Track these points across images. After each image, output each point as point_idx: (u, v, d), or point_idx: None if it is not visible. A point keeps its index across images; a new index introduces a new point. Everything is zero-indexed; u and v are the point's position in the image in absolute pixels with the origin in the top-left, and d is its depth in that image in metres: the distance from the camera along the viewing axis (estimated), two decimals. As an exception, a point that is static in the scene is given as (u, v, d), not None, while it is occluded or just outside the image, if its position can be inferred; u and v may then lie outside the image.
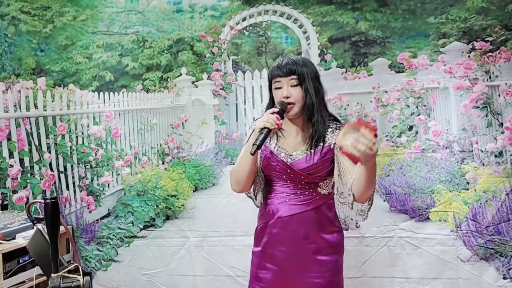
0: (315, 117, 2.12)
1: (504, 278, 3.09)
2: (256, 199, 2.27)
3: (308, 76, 2.11)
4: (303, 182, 2.14)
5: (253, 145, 1.98)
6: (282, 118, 2.08)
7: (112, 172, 3.59)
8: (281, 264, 2.17)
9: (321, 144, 2.13)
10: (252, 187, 2.23)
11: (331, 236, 2.18)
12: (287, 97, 2.10)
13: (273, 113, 2.04)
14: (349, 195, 2.07)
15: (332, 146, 2.12)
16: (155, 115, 3.65)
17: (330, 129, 2.14)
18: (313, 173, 2.12)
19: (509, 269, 3.09)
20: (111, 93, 3.62)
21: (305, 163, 2.12)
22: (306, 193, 2.15)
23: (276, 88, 2.14)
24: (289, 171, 2.13)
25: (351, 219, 2.26)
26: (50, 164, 3.52)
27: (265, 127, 2.00)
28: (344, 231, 2.29)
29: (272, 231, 2.18)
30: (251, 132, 2.14)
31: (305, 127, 2.18)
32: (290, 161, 2.14)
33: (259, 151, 2.14)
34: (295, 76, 2.11)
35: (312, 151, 2.12)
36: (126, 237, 3.53)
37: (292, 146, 2.17)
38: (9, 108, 3.44)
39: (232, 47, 3.61)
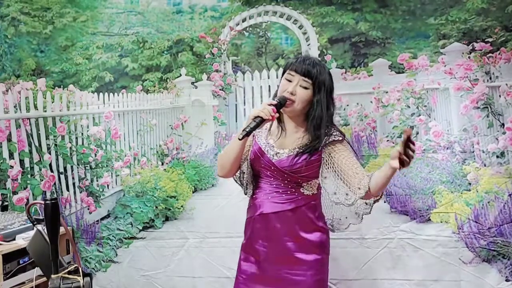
0: (321, 131, 2.12)
1: (507, 280, 3.07)
2: (246, 189, 2.28)
3: (324, 87, 2.11)
4: (286, 181, 2.17)
5: (242, 130, 2.00)
6: (279, 112, 2.08)
7: (112, 173, 3.58)
8: (262, 259, 2.21)
9: (313, 151, 2.13)
10: (244, 177, 2.24)
11: (313, 235, 2.20)
12: (292, 94, 2.10)
13: (270, 104, 2.05)
14: (359, 189, 2.02)
15: (320, 149, 2.13)
16: (155, 116, 3.65)
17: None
18: (296, 173, 2.14)
19: (512, 271, 3.09)
20: (111, 94, 3.62)
21: (289, 162, 2.13)
22: (289, 192, 2.18)
23: (286, 79, 2.13)
24: (272, 168, 2.16)
25: (346, 218, 2.27)
26: (50, 165, 3.51)
27: (259, 116, 2.02)
28: (338, 232, 2.33)
29: (255, 225, 2.23)
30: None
31: (302, 130, 2.19)
32: (276, 158, 2.16)
33: (251, 144, 2.18)
34: (309, 80, 2.10)
35: (299, 153, 2.13)
36: (125, 238, 3.53)
37: (281, 144, 2.18)
38: (9, 109, 3.44)
39: (232, 48, 3.61)
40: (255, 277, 2.22)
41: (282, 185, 2.17)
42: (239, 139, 2.03)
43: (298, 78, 2.11)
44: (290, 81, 2.12)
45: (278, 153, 2.17)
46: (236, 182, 2.35)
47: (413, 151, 1.77)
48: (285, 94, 2.10)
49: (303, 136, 2.17)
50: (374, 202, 2.17)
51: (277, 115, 2.07)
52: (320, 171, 2.14)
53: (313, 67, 2.10)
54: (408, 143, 1.76)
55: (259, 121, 2.02)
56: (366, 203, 2.19)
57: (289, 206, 2.17)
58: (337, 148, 2.13)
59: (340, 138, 2.15)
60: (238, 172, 2.29)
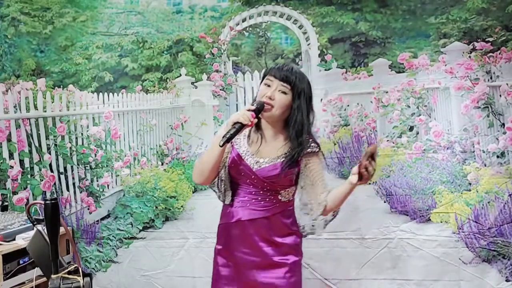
0: (303, 137, 2.14)
1: (507, 280, 3.07)
2: (225, 196, 2.26)
3: (303, 93, 2.12)
4: (265, 189, 2.16)
5: (223, 137, 1.99)
6: (258, 117, 2.09)
7: (112, 173, 3.58)
8: (241, 264, 2.21)
9: (294, 162, 2.15)
10: (222, 184, 2.23)
11: (289, 238, 2.21)
12: (270, 98, 2.10)
13: (249, 109, 2.05)
14: (319, 204, 2.13)
15: (299, 159, 2.15)
16: (155, 116, 3.65)
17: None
18: (276, 182, 2.14)
19: (512, 271, 3.09)
20: (111, 94, 3.62)
21: (269, 171, 2.14)
22: (267, 199, 2.17)
23: (265, 84, 2.14)
24: (253, 176, 2.15)
25: (312, 226, 2.25)
26: (50, 165, 3.51)
27: (238, 122, 2.01)
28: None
29: (232, 232, 2.22)
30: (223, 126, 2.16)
31: (281, 137, 2.19)
32: (256, 167, 2.15)
33: (230, 150, 2.17)
34: (288, 85, 2.10)
35: (279, 162, 2.14)
36: (125, 238, 3.53)
37: (261, 152, 2.18)
38: (9, 109, 3.44)
39: (232, 48, 3.61)
40: (235, 283, 2.23)
41: (261, 192, 2.17)
42: (220, 146, 2.01)
43: (276, 83, 2.11)
44: (269, 86, 2.12)
45: (258, 161, 2.16)
46: (212, 189, 2.31)
47: (374, 169, 1.88)
48: (263, 99, 2.10)
49: (284, 144, 2.18)
50: (331, 219, 2.21)
51: (256, 120, 2.08)
52: (298, 180, 2.18)
53: (291, 73, 2.11)
54: (370, 158, 1.83)
55: (239, 127, 2.01)
56: (325, 220, 2.21)
57: (267, 213, 2.17)
58: (312, 160, 2.17)
59: (316, 150, 2.18)
60: (216, 178, 2.27)
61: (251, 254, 2.19)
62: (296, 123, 2.12)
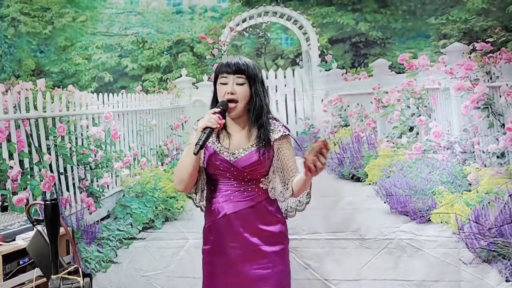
0: (262, 119, 2.21)
1: (507, 281, 3.07)
2: (196, 199, 2.32)
3: (257, 78, 2.21)
4: (246, 179, 2.21)
5: (196, 144, 2.03)
6: (224, 117, 2.14)
7: (112, 174, 3.58)
8: (232, 260, 2.23)
9: (266, 143, 2.21)
10: (199, 185, 2.28)
11: (274, 227, 2.25)
12: (232, 93, 2.16)
13: (214, 113, 2.10)
14: (287, 189, 2.19)
15: (272, 144, 2.21)
16: (155, 116, 3.64)
17: (271, 128, 2.23)
18: (255, 170, 2.20)
19: (512, 271, 3.08)
20: (110, 94, 3.62)
21: (247, 160, 2.19)
22: (249, 189, 2.22)
23: (222, 83, 2.19)
24: (232, 169, 2.20)
25: (291, 207, 2.32)
26: (50, 165, 3.51)
27: (207, 127, 2.06)
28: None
29: (220, 229, 2.24)
30: (194, 133, 2.19)
31: (247, 126, 2.25)
32: (233, 159, 2.20)
33: (202, 151, 2.18)
34: (243, 75, 2.17)
35: (254, 149, 2.20)
36: (125, 239, 3.53)
37: (234, 145, 2.23)
38: (8, 110, 3.44)
39: (232, 48, 3.61)
40: (228, 279, 2.24)
41: (243, 183, 2.22)
42: (195, 154, 2.05)
43: (232, 78, 2.17)
44: (225, 83, 2.18)
45: (234, 154, 2.21)
46: (188, 197, 2.36)
47: (323, 163, 1.90)
48: (225, 97, 2.17)
49: (252, 133, 2.24)
50: (306, 203, 2.26)
51: (224, 120, 2.14)
52: (273, 164, 2.23)
53: (242, 64, 2.18)
54: (318, 152, 1.88)
55: (209, 132, 2.06)
56: (299, 201, 2.27)
57: (251, 202, 2.21)
58: (283, 144, 2.23)
59: (287, 133, 2.24)
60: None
61: (239, 248, 2.22)
62: (256, 108, 2.20)
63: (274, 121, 2.25)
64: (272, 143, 2.21)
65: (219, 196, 2.24)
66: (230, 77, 2.17)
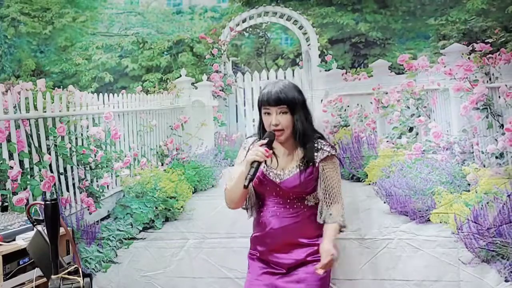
0: (307, 140, 2.33)
1: (506, 280, 3.07)
2: (248, 212, 2.50)
3: (297, 104, 2.30)
4: (291, 198, 2.37)
5: (245, 179, 2.19)
6: (271, 148, 2.26)
7: (112, 174, 3.58)
8: (278, 269, 2.39)
9: (311, 164, 2.33)
10: (250, 202, 2.46)
11: (318, 240, 2.36)
12: (276, 125, 2.28)
13: (261, 145, 2.24)
14: (330, 215, 2.36)
15: (317, 165, 2.33)
16: (155, 116, 3.65)
17: (315, 149, 2.35)
18: (299, 189, 2.33)
19: (511, 272, 3.08)
20: (111, 95, 3.62)
21: (292, 182, 2.33)
22: (295, 206, 2.37)
23: (266, 113, 2.31)
24: (278, 189, 2.36)
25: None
26: (50, 165, 3.51)
27: (255, 161, 2.20)
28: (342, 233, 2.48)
29: (266, 241, 2.41)
30: (244, 152, 2.38)
31: (293, 148, 2.38)
32: (279, 180, 2.35)
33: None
34: (284, 106, 2.27)
35: (298, 171, 2.33)
36: (125, 239, 3.53)
37: (280, 166, 2.36)
38: (8, 110, 3.44)
39: (232, 48, 3.61)
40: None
41: (288, 201, 2.36)
42: (245, 187, 2.20)
43: (274, 109, 2.29)
44: (269, 113, 2.29)
45: (280, 175, 2.35)
46: (243, 209, 2.49)
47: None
48: (271, 128, 2.29)
49: (298, 154, 2.37)
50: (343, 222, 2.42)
51: (271, 151, 2.26)
52: (318, 184, 2.36)
53: (280, 92, 2.27)
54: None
55: (257, 166, 2.22)
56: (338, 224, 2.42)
57: (296, 218, 2.36)
58: (327, 165, 2.36)
59: (332, 153, 2.36)
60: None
61: (284, 258, 2.37)
62: (300, 134, 2.31)
63: (320, 140, 2.37)
64: (317, 164, 2.33)
65: (267, 211, 2.40)
66: (272, 109, 2.29)
